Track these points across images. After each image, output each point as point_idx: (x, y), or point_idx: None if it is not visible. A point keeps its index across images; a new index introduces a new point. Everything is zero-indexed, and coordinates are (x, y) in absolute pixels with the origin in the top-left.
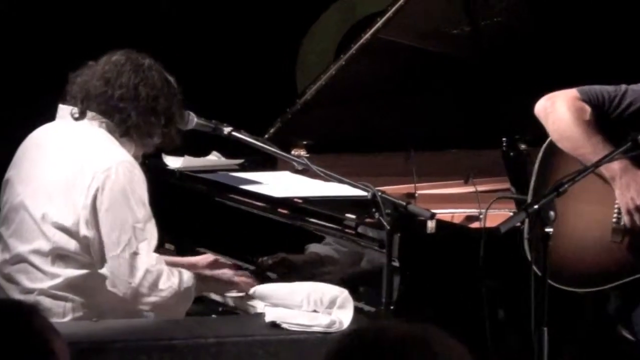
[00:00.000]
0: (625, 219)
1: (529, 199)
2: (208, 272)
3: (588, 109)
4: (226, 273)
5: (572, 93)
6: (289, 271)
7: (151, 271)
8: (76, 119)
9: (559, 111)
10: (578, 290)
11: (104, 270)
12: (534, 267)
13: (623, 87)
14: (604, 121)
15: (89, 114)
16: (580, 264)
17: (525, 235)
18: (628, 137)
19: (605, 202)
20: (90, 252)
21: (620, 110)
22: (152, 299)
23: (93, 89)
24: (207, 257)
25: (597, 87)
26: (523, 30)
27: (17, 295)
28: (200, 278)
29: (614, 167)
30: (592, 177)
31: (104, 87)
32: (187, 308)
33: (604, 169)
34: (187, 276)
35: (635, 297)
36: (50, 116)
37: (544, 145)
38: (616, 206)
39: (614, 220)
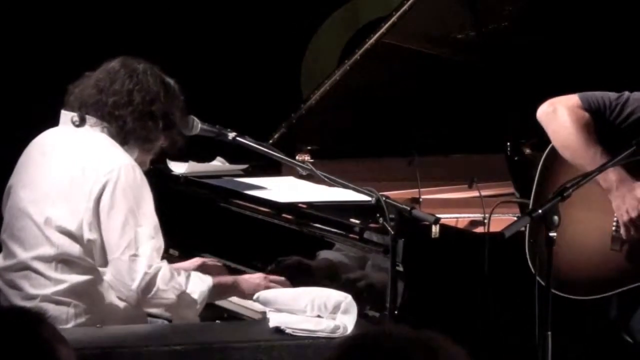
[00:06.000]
0: (622, 231)
1: (531, 204)
2: (231, 278)
3: (589, 118)
4: (257, 277)
5: (573, 100)
6: (302, 275)
7: (149, 273)
8: (77, 126)
9: (560, 119)
10: (579, 298)
11: (107, 277)
12: (536, 274)
13: (625, 94)
14: (605, 128)
15: (90, 120)
16: (582, 272)
17: (527, 240)
18: (632, 141)
19: (605, 210)
20: (94, 256)
21: (621, 119)
22: (155, 300)
23: (88, 97)
24: (197, 261)
25: (598, 94)
26: (529, 34)
27: (19, 302)
28: (218, 285)
29: (611, 178)
30: (592, 185)
31: (97, 95)
32: (198, 312)
33: (600, 180)
34: (194, 281)
35: (633, 303)
36: (52, 122)
37: (546, 152)
38: (615, 215)
39: (614, 228)
